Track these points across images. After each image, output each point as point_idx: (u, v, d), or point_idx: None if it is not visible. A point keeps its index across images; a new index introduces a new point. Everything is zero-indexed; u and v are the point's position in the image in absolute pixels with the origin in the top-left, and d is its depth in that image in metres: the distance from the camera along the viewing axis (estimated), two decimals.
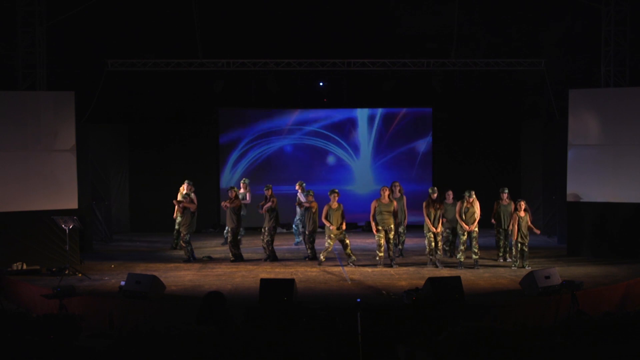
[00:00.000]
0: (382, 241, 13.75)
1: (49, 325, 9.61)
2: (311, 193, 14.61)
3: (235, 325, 9.74)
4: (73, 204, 14.22)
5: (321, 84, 18.83)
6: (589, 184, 14.81)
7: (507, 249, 14.25)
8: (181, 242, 14.55)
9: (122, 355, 8.83)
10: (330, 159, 19.28)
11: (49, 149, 14.16)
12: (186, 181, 15.30)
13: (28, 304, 11.98)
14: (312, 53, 17.04)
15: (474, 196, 13.72)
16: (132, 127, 18.98)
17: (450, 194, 14.35)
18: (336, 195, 13.97)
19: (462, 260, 13.67)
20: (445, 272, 13.08)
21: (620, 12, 15.23)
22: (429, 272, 13.05)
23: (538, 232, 13.85)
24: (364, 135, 19.44)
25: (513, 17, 17.63)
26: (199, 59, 16.90)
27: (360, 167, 19.36)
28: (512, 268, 13.50)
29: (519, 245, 13.60)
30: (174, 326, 9.71)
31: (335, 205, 13.91)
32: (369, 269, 13.66)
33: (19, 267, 13.52)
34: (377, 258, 13.89)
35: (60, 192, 14.17)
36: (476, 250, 13.74)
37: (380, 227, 13.72)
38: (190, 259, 14.46)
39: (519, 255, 13.64)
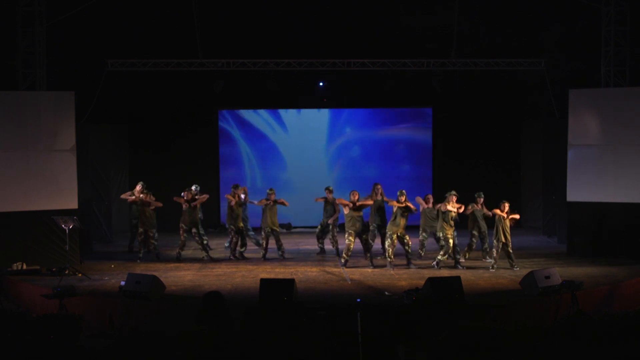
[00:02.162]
0: (352, 245, 13.90)
1: (49, 325, 9.62)
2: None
3: (235, 325, 9.76)
4: (73, 204, 14.22)
5: (321, 84, 18.81)
6: (589, 184, 14.80)
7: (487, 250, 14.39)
8: (152, 240, 14.68)
9: (122, 355, 8.84)
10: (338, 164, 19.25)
11: (49, 149, 14.16)
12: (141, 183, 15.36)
13: (28, 304, 12.00)
14: (312, 53, 17.02)
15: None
16: (132, 127, 18.95)
17: (430, 198, 14.34)
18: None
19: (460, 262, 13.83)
20: (445, 272, 13.08)
21: (620, 12, 15.21)
22: (429, 272, 13.05)
23: (517, 216, 13.76)
24: (363, 136, 19.43)
25: (513, 17, 17.60)
26: (199, 59, 16.88)
27: (364, 168, 19.33)
28: (491, 270, 13.42)
29: (502, 246, 13.55)
30: (174, 326, 9.73)
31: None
32: (369, 269, 13.67)
33: (19, 267, 13.53)
34: (342, 260, 13.97)
35: (60, 192, 14.18)
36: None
37: (351, 231, 13.84)
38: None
39: (497, 257, 13.59)
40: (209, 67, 17.03)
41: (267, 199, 14.74)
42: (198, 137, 19.14)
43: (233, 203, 14.81)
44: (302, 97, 18.96)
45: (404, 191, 13.97)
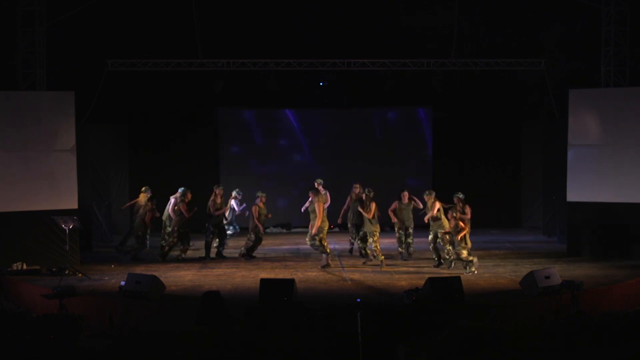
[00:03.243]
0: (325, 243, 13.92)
1: (49, 325, 9.62)
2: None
3: (235, 325, 9.76)
4: (73, 204, 14.21)
5: (321, 83, 18.81)
6: (589, 184, 14.79)
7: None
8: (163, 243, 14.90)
9: (122, 355, 8.85)
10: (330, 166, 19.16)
11: (49, 149, 14.15)
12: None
13: (28, 304, 11.99)
14: (312, 53, 17.02)
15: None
16: (132, 127, 18.95)
17: (406, 195, 14.32)
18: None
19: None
20: (445, 272, 13.07)
21: (620, 12, 15.21)
22: (429, 272, 13.05)
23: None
24: (363, 136, 19.43)
25: (513, 17, 17.60)
26: (199, 59, 16.88)
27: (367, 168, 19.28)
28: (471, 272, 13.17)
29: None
30: (174, 326, 9.74)
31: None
32: (369, 269, 13.67)
33: (19, 267, 13.53)
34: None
35: (60, 192, 14.16)
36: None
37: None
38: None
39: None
40: (209, 67, 17.03)
41: (260, 207, 14.72)
42: (198, 137, 19.15)
43: (212, 207, 14.91)
44: (302, 97, 18.95)
45: (371, 190, 14.15)
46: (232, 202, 15.72)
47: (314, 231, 13.59)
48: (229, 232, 15.57)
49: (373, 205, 13.93)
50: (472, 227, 14.48)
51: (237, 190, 15.87)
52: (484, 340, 8.65)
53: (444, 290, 10.89)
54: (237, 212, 15.84)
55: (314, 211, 13.67)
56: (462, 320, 9.91)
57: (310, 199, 14.01)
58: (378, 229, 13.99)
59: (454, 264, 13.46)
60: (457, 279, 11.18)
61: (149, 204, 15.06)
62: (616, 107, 14.73)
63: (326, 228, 13.72)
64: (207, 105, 18.77)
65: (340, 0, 17.33)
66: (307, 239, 13.90)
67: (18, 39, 14.64)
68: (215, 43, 17.26)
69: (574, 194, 14.95)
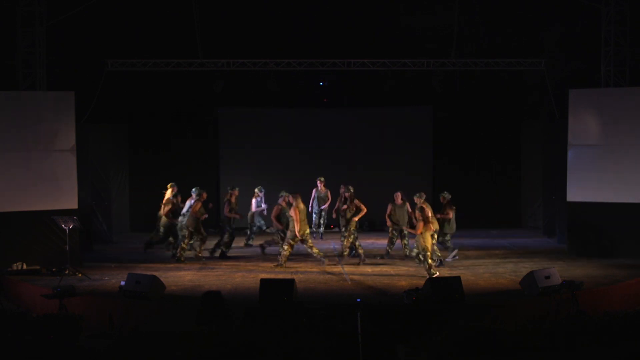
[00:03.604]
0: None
1: (49, 325, 9.63)
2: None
3: (235, 325, 9.77)
4: (73, 204, 14.22)
5: (321, 83, 18.80)
6: (589, 184, 14.80)
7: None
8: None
9: (122, 355, 8.86)
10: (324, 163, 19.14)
11: (49, 149, 14.16)
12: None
13: (28, 304, 11.99)
14: (312, 53, 17.02)
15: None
16: (132, 127, 18.95)
17: (398, 195, 14.45)
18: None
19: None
20: (445, 272, 13.07)
21: (620, 12, 15.21)
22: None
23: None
24: (363, 136, 19.43)
25: (513, 17, 17.60)
26: (199, 59, 16.88)
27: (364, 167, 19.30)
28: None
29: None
30: (174, 326, 9.74)
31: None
32: (369, 269, 13.68)
33: (19, 267, 13.54)
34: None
35: (60, 192, 14.17)
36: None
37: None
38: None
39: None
40: (209, 67, 17.03)
41: (282, 207, 14.77)
42: (198, 137, 19.14)
43: (227, 207, 15.09)
44: (302, 97, 18.96)
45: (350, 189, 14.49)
46: (253, 201, 15.79)
47: (297, 233, 13.77)
48: (263, 228, 16.10)
49: (355, 202, 14.30)
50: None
51: (259, 187, 15.93)
52: (484, 340, 8.65)
53: (444, 290, 10.89)
54: (253, 210, 15.92)
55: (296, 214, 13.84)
56: (462, 320, 9.91)
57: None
58: (354, 225, 14.27)
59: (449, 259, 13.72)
60: (457, 279, 11.18)
61: (174, 199, 15.24)
62: (616, 107, 14.73)
63: (302, 233, 13.77)
64: (207, 105, 18.77)
65: (340, 0, 17.33)
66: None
67: (18, 39, 14.64)
68: (215, 43, 17.25)
69: (574, 194, 14.96)
